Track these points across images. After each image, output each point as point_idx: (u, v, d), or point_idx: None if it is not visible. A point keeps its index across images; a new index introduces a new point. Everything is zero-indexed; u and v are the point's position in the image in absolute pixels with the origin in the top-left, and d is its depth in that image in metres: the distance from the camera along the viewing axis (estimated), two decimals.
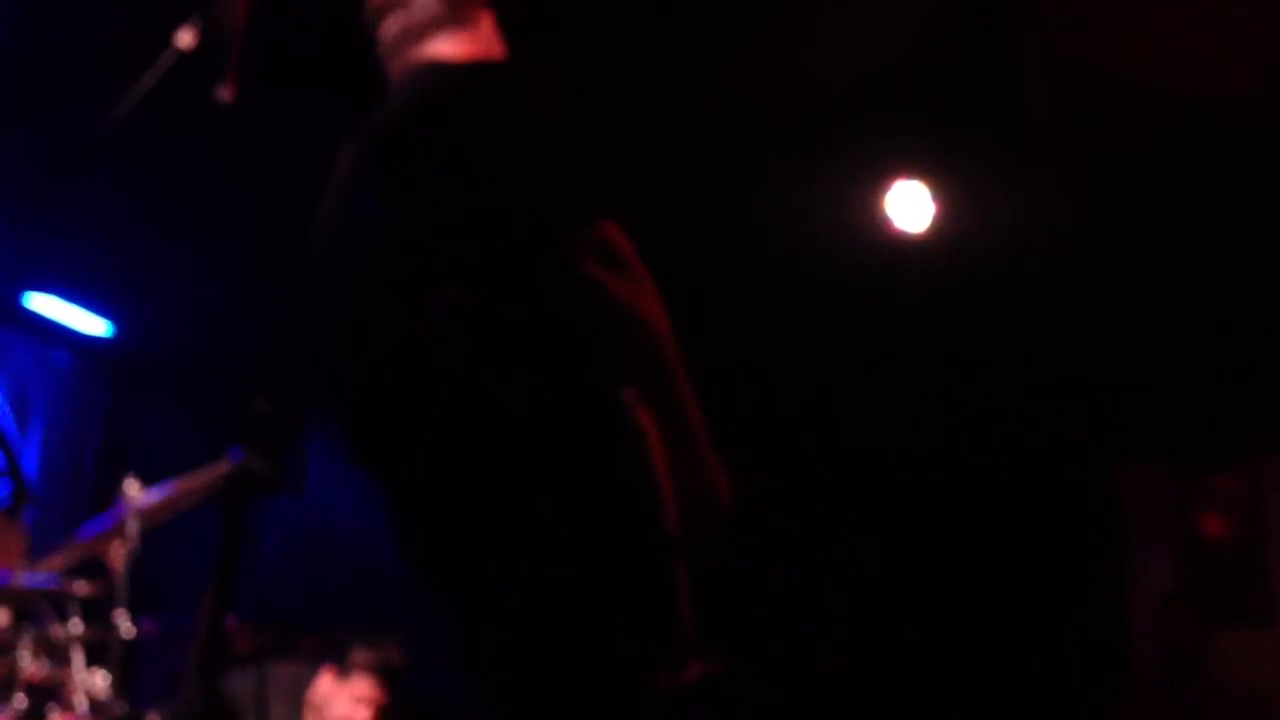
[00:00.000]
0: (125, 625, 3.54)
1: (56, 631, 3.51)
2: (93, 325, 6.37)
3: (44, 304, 6.14)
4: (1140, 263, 5.39)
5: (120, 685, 3.50)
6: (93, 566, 3.88)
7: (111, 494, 3.82)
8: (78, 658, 3.49)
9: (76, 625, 3.53)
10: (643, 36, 4.29)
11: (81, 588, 3.69)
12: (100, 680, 3.42)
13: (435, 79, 2.21)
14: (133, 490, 3.69)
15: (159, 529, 4.23)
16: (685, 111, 4.69)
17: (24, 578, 3.63)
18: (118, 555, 3.66)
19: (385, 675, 4.26)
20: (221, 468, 3.37)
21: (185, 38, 2.24)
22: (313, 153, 5.10)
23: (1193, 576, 5.69)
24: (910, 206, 5.08)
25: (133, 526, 3.60)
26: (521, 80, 2.16)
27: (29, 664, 3.41)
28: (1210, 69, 4.28)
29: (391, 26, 2.29)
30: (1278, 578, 5.60)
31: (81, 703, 3.42)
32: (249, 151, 5.08)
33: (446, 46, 2.22)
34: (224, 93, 2.23)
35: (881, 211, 5.08)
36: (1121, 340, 5.64)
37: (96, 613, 3.69)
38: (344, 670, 4.25)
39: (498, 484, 1.86)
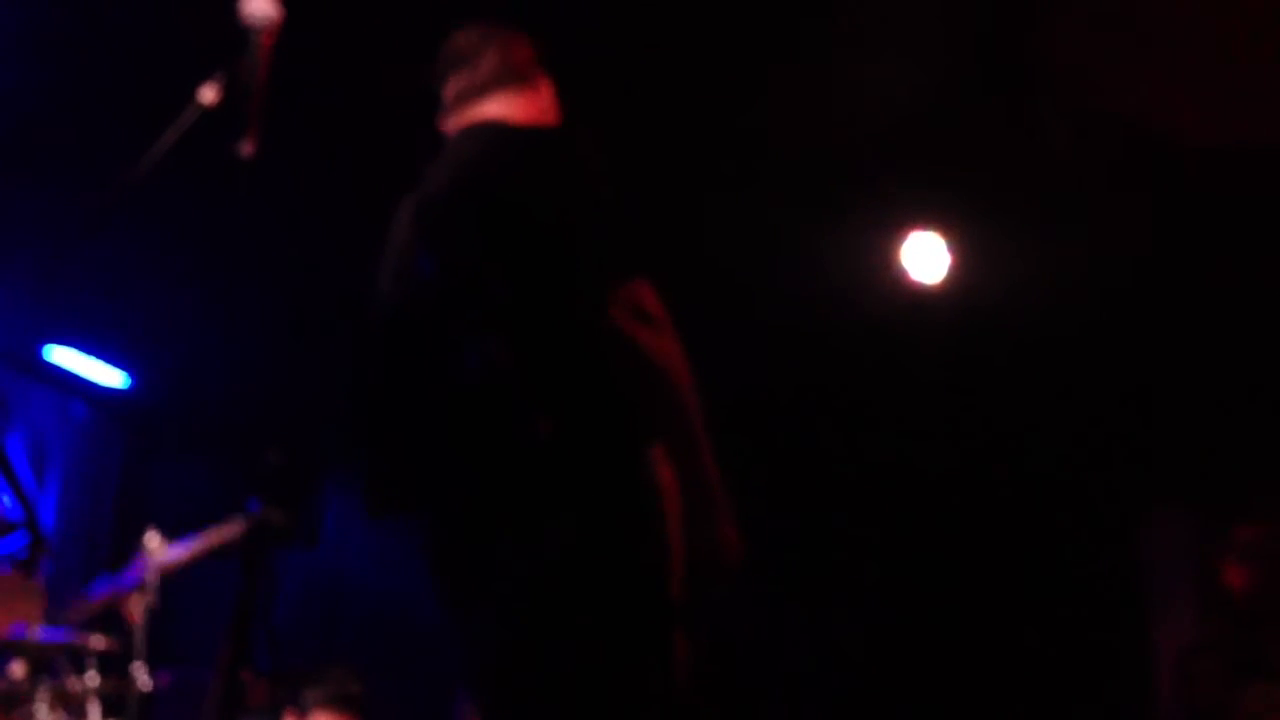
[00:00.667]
0: (142, 678, 3.52)
1: (73, 684, 3.50)
2: (110, 377, 6.39)
3: (62, 356, 6.17)
4: (1162, 311, 5.38)
5: None
6: (109, 620, 3.87)
7: (129, 546, 3.82)
8: (94, 711, 3.48)
9: (93, 678, 3.52)
10: (664, 87, 4.32)
11: (99, 641, 3.68)
12: None
13: (490, 140, 2.29)
14: (153, 544, 3.68)
15: (175, 582, 4.23)
16: (703, 160, 4.71)
17: (41, 631, 3.62)
18: (136, 608, 3.64)
19: (344, 705, 4.23)
20: (239, 524, 3.38)
21: (208, 94, 2.25)
22: (331, 206, 5.17)
23: (1217, 628, 5.63)
24: (926, 257, 5.09)
25: (152, 580, 3.59)
26: (570, 145, 2.24)
27: (46, 717, 3.40)
28: (1232, 116, 4.29)
29: (455, 84, 2.38)
30: None
31: None
32: (268, 206, 5.14)
33: (504, 107, 2.33)
34: (245, 148, 2.24)
35: (897, 263, 5.09)
36: (1143, 391, 5.61)
37: (114, 666, 3.68)
38: (302, 712, 4.22)
39: (520, 529, 1.93)
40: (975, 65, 4.40)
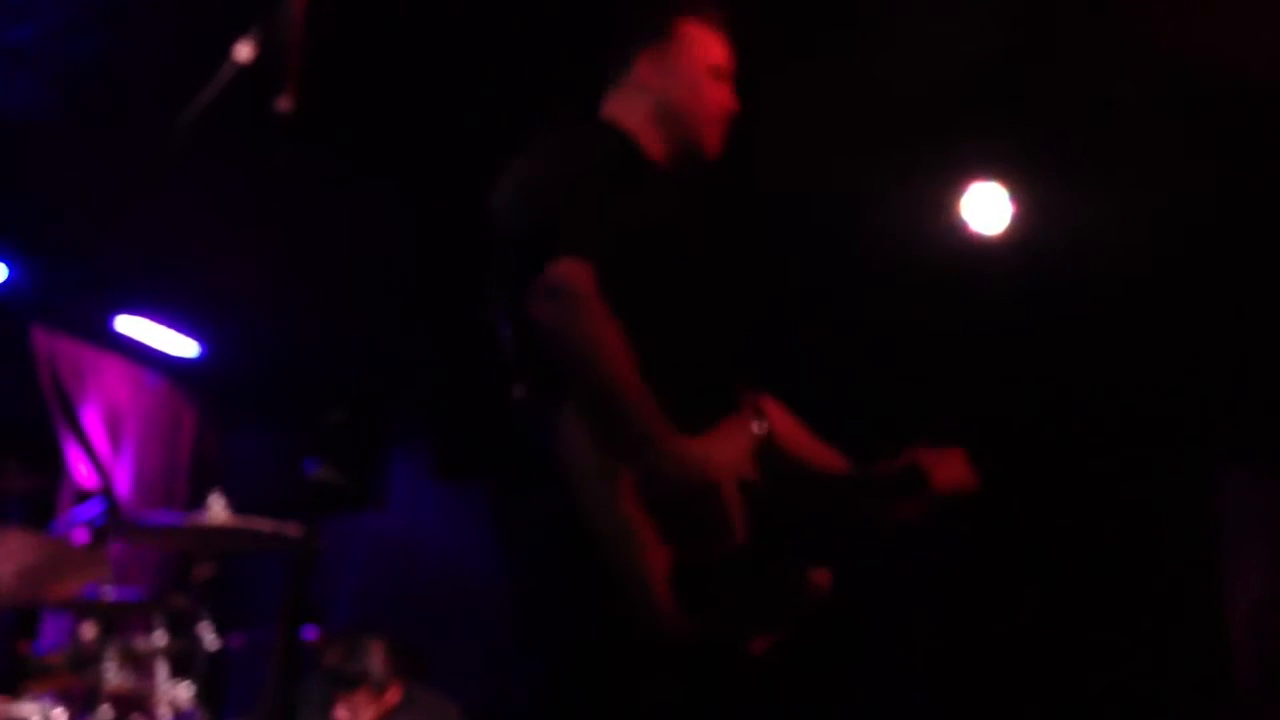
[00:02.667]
0: (209, 638, 3.59)
1: (141, 644, 3.57)
2: (183, 347, 6.49)
3: (134, 326, 6.26)
4: (1233, 261, 5.25)
5: (204, 697, 3.55)
6: (179, 580, 3.95)
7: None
8: (162, 669, 3.55)
9: (161, 637, 3.59)
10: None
11: (168, 602, 3.76)
12: (184, 692, 3.47)
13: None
14: (217, 506, 3.74)
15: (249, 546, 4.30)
16: (764, 111, 4.66)
17: (111, 592, 3.70)
18: (202, 570, 3.71)
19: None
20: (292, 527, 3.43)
21: (244, 51, 2.26)
22: (392, 172, 5.19)
23: None
24: (988, 208, 5.01)
25: (216, 542, 3.65)
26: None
27: (114, 676, 3.47)
28: None
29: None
30: None
31: (165, 714, 3.48)
32: (335, 171, 5.18)
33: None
34: (283, 104, 2.24)
35: (958, 213, 5.02)
36: (1213, 342, 5.49)
37: (183, 626, 3.75)
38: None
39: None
40: (1038, 10, 4.31)
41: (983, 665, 5.68)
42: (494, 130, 4.74)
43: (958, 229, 5.02)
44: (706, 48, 2.43)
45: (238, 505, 4.01)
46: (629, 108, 2.40)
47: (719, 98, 2.41)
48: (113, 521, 5.22)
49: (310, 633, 4.82)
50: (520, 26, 4.29)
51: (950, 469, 2.42)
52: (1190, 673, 5.36)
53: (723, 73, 2.43)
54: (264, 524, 3.66)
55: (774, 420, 2.36)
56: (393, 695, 4.19)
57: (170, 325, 6.38)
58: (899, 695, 5.75)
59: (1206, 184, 4.89)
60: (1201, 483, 5.64)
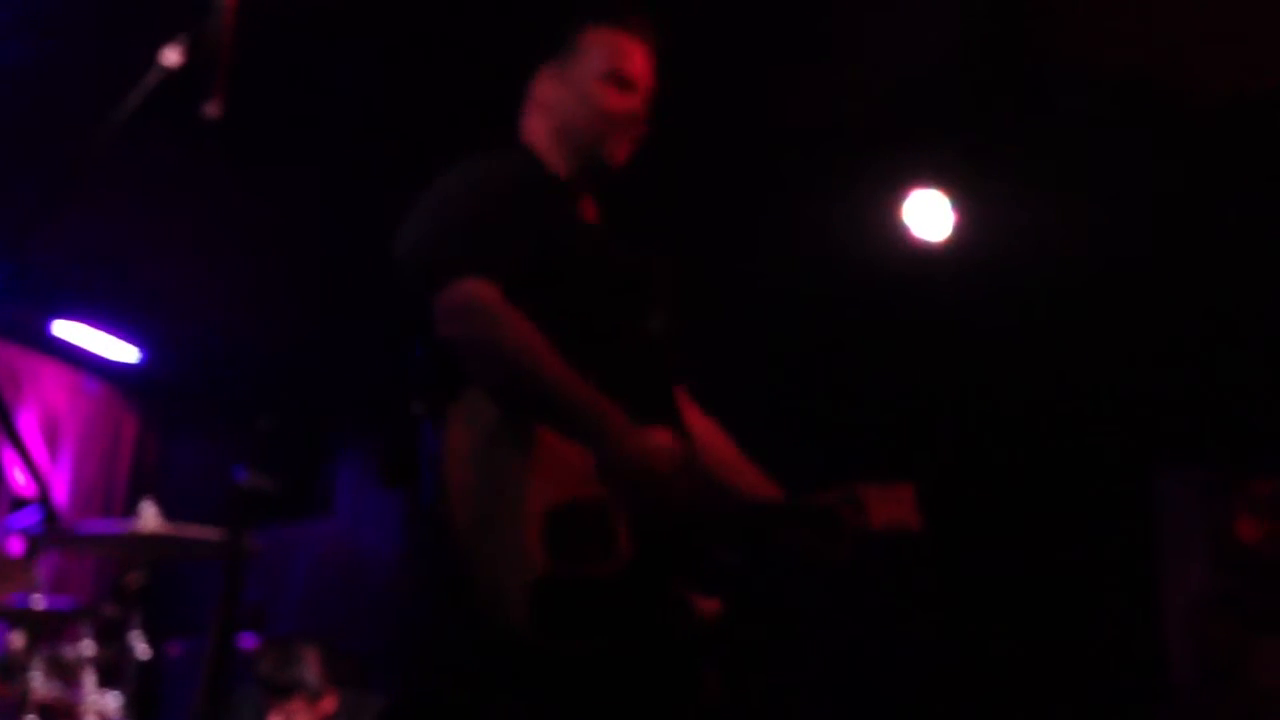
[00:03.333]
0: (140, 646, 3.55)
1: (69, 653, 3.52)
2: (122, 352, 6.42)
3: (72, 331, 6.19)
4: (1170, 266, 5.32)
5: (135, 706, 3.51)
6: (111, 589, 3.89)
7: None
8: (89, 679, 3.50)
9: (88, 646, 3.54)
10: (670, 43, 4.29)
11: (98, 610, 3.71)
12: (112, 702, 3.42)
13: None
14: (149, 513, 3.69)
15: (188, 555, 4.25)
16: (708, 120, 4.68)
17: (40, 600, 3.65)
18: (134, 578, 3.67)
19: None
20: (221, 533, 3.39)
21: (172, 56, 2.23)
22: (337, 173, 5.15)
23: (1229, 583, 5.59)
24: (930, 215, 5.05)
25: (146, 550, 3.60)
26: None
27: (41, 685, 3.42)
28: (1237, 70, 4.22)
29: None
30: None
31: None
32: (270, 175, 5.14)
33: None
34: (211, 110, 2.21)
35: (901, 220, 5.05)
36: (1153, 346, 5.56)
37: (114, 635, 3.70)
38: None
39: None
40: (980, 20, 4.34)
41: (917, 665, 5.71)
42: (439, 136, 4.73)
43: (900, 236, 5.05)
44: (603, 54, 2.37)
45: (179, 512, 3.96)
46: (535, 126, 2.40)
47: (614, 104, 2.34)
48: (50, 530, 5.16)
49: (249, 640, 4.78)
50: (462, 30, 4.28)
51: (894, 506, 2.35)
52: (1127, 671, 5.42)
53: (624, 78, 2.36)
54: (197, 531, 3.62)
55: (699, 435, 2.37)
56: (329, 703, 4.16)
57: (109, 330, 6.31)
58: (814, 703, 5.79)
59: (1143, 192, 4.95)
60: (1139, 483, 5.69)
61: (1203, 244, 5.13)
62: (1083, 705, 5.38)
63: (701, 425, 2.42)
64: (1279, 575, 5.51)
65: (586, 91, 2.34)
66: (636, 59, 2.38)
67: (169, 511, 3.84)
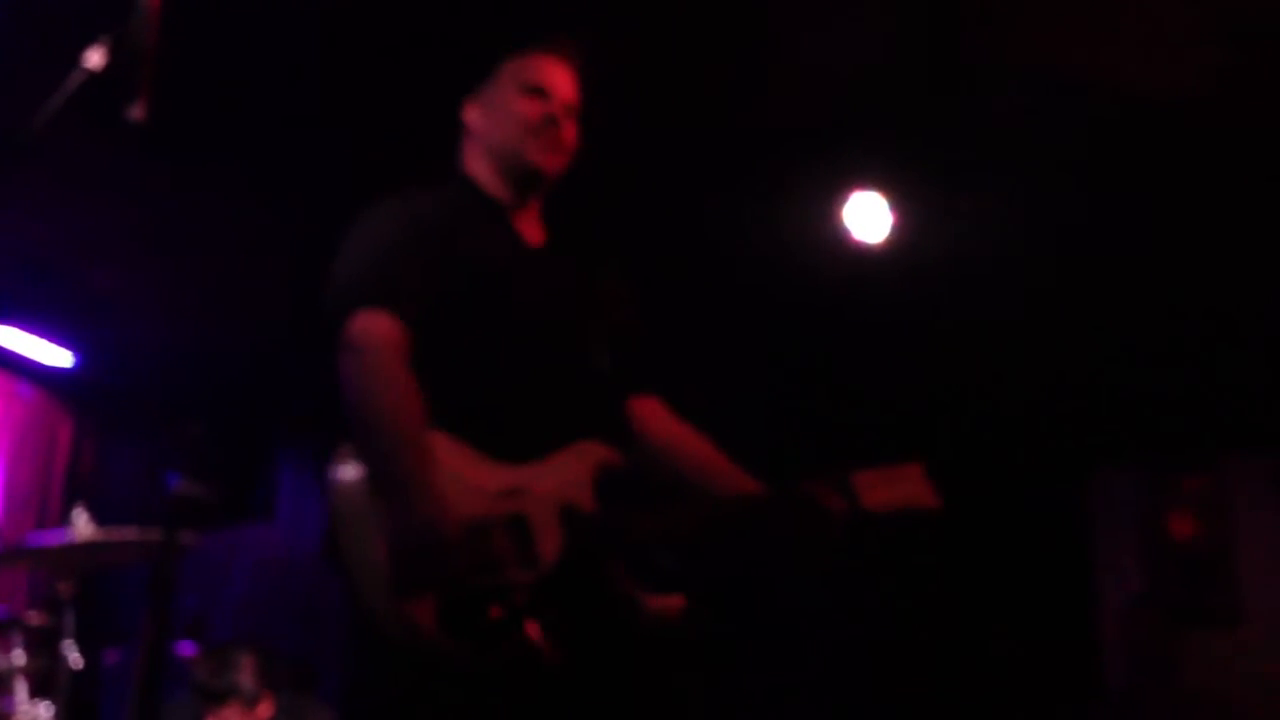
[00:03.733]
0: (73, 655, 3.50)
1: (0, 663, 3.47)
2: (56, 356, 6.33)
3: (5, 336, 6.09)
4: (1102, 267, 5.39)
5: (68, 716, 3.46)
6: (44, 598, 3.84)
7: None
8: (21, 689, 3.45)
9: (19, 656, 3.49)
10: (608, 49, 4.29)
11: (30, 619, 3.65)
12: (44, 712, 3.38)
13: None
14: (81, 521, 3.65)
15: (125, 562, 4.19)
16: (644, 123, 4.68)
17: None
18: (65, 586, 3.62)
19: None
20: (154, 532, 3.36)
21: (94, 58, 2.20)
22: (269, 172, 5.10)
23: (1161, 579, 5.68)
24: (868, 217, 5.07)
25: (78, 558, 3.55)
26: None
27: None
28: (1164, 71, 4.28)
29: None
30: (1245, 579, 5.58)
31: None
32: (205, 177, 5.08)
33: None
34: (136, 112, 2.19)
35: (840, 222, 5.07)
36: (1085, 345, 5.62)
37: (46, 645, 3.65)
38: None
39: None
40: (915, 24, 4.37)
41: (853, 665, 5.74)
42: (375, 141, 4.71)
43: (839, 238, 5.08)
44: (516, 72, 2.47)
45: (116, 517, 3.91)
46: (470, 155, 2.48)
47: (527, 110, 2.41)
48: None
49: (186, 648, 4.73)
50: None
51: (898, 487, 2.40)
52: (1062, 671, 5.48)
53: (535, 86, 2.43)
54: (131, 535, 3.59)
55: (667, 442, 2.41)
56: (265, 708, 4.13)
57: (43, 335, 6.21)
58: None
59: (1079, 193, 5.00)
60: (1074, 483, 5.76)
61: (1137, 244, 5.20)
62: (1018, 706, 5.43)
63: (674, 431, 2.46)
64: (1211, 572, 5.60)
65: (503, 106, 2.43)
66: (549, 70, 2.46)
67: (106, 516, 3.80)
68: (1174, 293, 5.39)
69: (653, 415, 2.47)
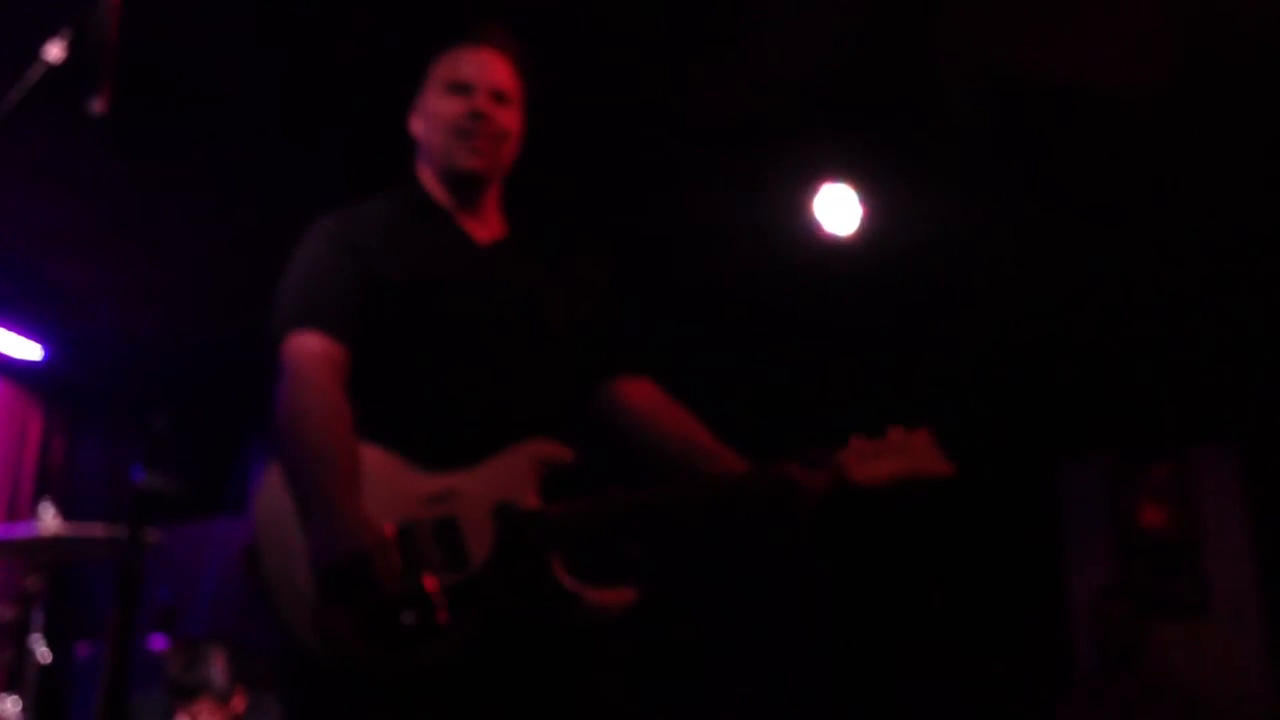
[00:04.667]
0: (41, 650, 3.50)
1: None
2: (25, 349, 6.30)
3: None
4: (1068, 260, 5.42)
5: (37, 710, 3.46)
6: (11, 592, 3.82)
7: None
8: None
9: None
10: (577, 42, 4.29)
11: None
12: (12, 706, 3.37)
13: None
14: (47, 515, 3.64)
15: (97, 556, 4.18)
16: (617, 117, 4.69)
17: None
18: (33, 580, 3.61)
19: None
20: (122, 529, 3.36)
21: (54, 51, 2.20)
22: (236, 164, 5.09)
23: (1130, 569, 5.72)
24: (838, 209, 5.09)
25: (45, 553, 3.54)
26: None
27: None
28: (1121, 69, 4.31)
29: None
30: (1213, 568, 5.62)
31: None
32: (171, 170, 5.06)
33: None
34: (97, 106, 2.19)
35: (810, 214, 5.09)
36: (1051, 337, 5.66)
37: (13, 639, 3.65)
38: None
39: None
40: (877, 23, 4.40)
41: (819, 658, 5.77)
42: (341, 134, 4.70)
43: (810, 229, 5.09)
44: (442, 69, 2.43)
45: (86, 511, 3.90)
46: (419, 162, 2.47)
47: (449, 109, 2.38)
48: None
49: (158, 641, 4.71)
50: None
51: (900, 457, 2.38)
52: (1034, 661, 5.51)
53: (457, 82, 2.39)
54: (97, 530, 3.58)
55: (652, 421, 2.41)
56: (237, 703, 4.12)
57: (12, 328, 6.18)
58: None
59: (1044, 188, 5.04)
60: (1042, 472, 5.80)
61: (1101, 239, 5.24)
62: (990, 696, 5.46)
63: (660, 411, 2.45)
64: (1177, 560, 5.65)
65: (432, 111, 2.41)
66: (471, 61, 2.41)
67: (76, 511, 3.79)
68: (1140, 286, 5.43)
69: (639, 394, 2.46)
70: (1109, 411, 5.67)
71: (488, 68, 2.40)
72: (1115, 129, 4.64)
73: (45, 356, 6.36)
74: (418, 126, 2.46)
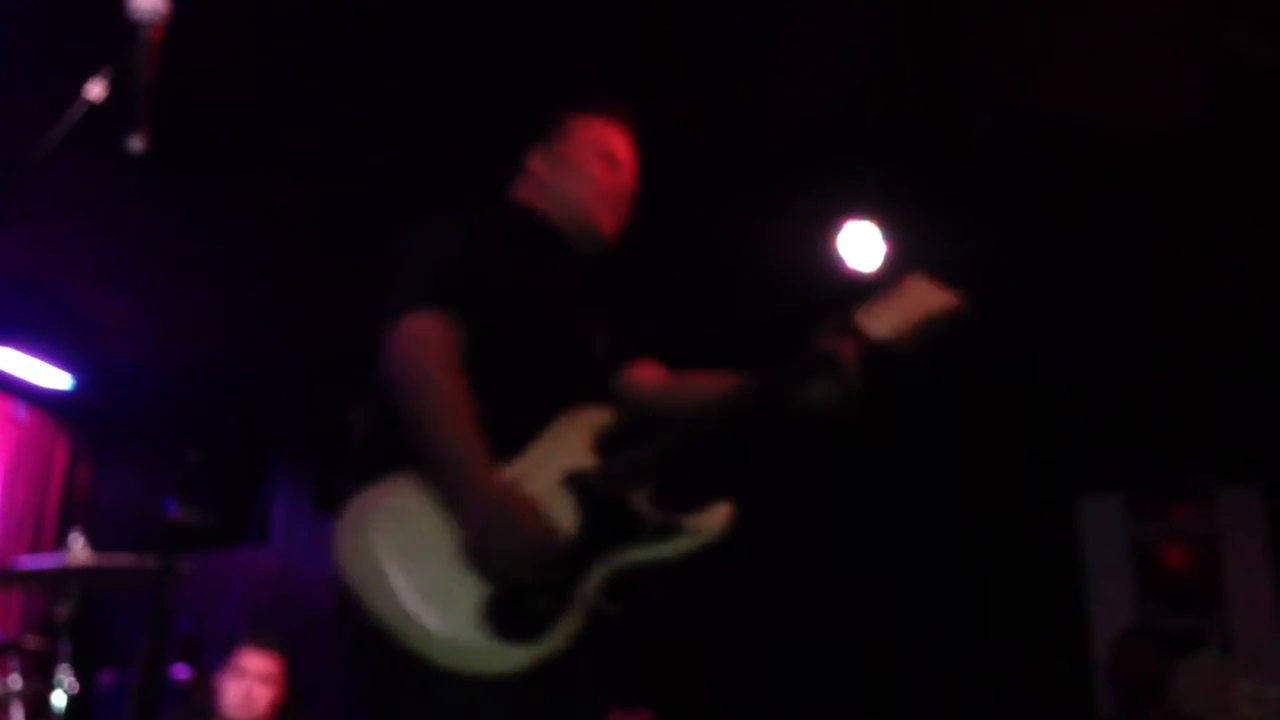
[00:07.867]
0: (69, 680, 3.51)
1: None
2: (54, 379, 6.35)
3: (4, 357, 6.12)
4: (1093, 296, 5.42)
5: None
6: (40, 622, 3.85)
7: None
8: (18, 713, 3.46)
9: (15, 681, 3.50)
10: (599, 76, 4.33)
11: (27, 643, 3.67)
12: None
13: None
14: (77, 545, 3.66)
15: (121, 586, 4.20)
16: (639, 152, 4.71)
17: None
18: (61, 610, 3.63)
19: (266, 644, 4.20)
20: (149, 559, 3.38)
21: (95, 90, 2.24)
22: (268, 200, 5.14)
23: (1152, 608, 5.69)
24: (862, 246, 5.11)
25: (74, 582, 3.57)
26: None
27: None
28: (1143, 105, 4.33)
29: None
30: (1235, 609, 5.59)
31: None
32: (207, 205, 5.11)
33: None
34: (136, 144, 2.23)
35: (834, 251, 5.11)
36: (1078, 375, 5.65)
37: (42, 668, 3.66)
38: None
39: None
40: (905, 59, 4.43)
41: (843, 694, 5.74)
42: (374, 168, 4.75)
43: (834, 267, 5.11)
44: (594, 136, 2.54)
45: (110, 541, 3.92)
46: (530, 195, 2.54)
47: (607, 179, 2.51)
48: None
49: (182, 670, 4.73)
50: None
51: (910, 305, 2.47)
52: (1054, 699, 5.48)
53: (615, 158, 2.53)
54: (126, 560, 3.60)
55: (658, 382, 2.53)
56: None
57: (41, 356, 6.24)
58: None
59: (1068, 224, 5.05)
60: (1065, 511, 5.78)
61: (1124, 274, 5.24)
62: None
63: (673, 377, 2.57)
64: (1199, 600, 5.62)
65: (580, 167, 2.52)
66: (624, 142, 2.57)
67: (100, 540, 3.80)
68: (1164, 320, 5.43)
69: (650, 371, 2.57)
70: (1133, 450, 5.66)
71: (630, 154, 2.57)
72: (1141, 164, 4.65)
73: (73, 386, 6.41)
74: (544, 169, 2.54)
